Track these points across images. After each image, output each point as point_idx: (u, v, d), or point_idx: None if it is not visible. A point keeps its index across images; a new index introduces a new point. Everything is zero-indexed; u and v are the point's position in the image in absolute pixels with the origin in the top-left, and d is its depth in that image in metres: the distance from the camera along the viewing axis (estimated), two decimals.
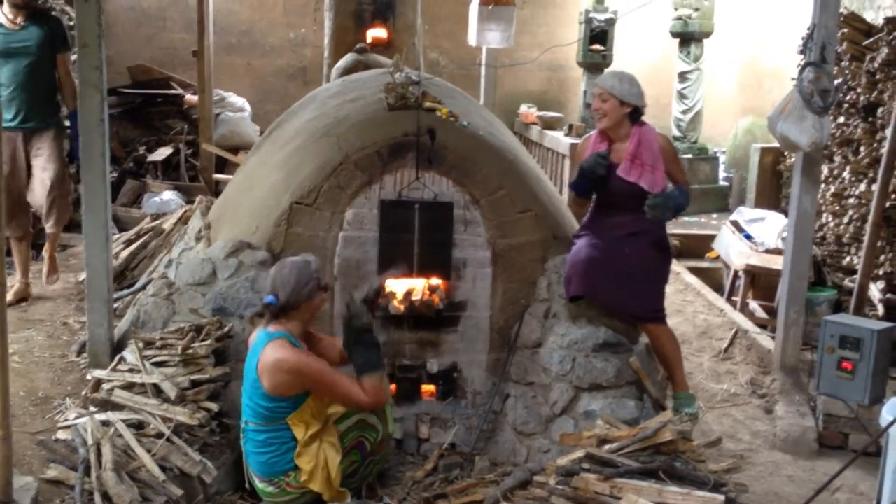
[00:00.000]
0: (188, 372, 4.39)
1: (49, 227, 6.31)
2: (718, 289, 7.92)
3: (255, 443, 4.06)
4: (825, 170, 7.69)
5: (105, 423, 4.13)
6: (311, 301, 4.11)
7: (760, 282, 7.56)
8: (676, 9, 10.99)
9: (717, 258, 8.61)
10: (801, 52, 5.71)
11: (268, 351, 3.97)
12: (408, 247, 4.88)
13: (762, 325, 6.88)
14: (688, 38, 11.05)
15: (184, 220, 6.96)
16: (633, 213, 4.78)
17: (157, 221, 7.40)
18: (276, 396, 3.97)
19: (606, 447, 4.09)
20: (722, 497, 3.71)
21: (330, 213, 4.86)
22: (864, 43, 7.47)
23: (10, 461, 3.41)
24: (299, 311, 4.08)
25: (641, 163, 4.71)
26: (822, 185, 7.63)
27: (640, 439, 4.06)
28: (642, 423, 4.37)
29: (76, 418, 4.22)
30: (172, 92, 11.23)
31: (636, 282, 4.75)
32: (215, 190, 9.50)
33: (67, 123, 6.43)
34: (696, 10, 10.84)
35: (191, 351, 4.45)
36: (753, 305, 7.46)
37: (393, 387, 4.89)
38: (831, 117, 7.03)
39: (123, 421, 4.15)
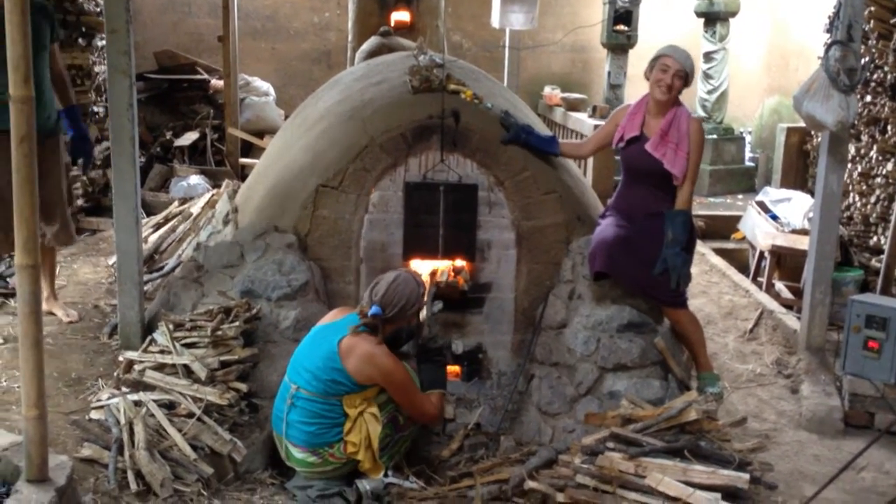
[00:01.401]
0: (217, 353, 4.44)
1: (54, 240, 5.51)
2: (744, 270, 7.88)
3: (305, 412, 4.13)
4: (852, 149, 7.64)
5: (137, 403, 4.20)
6: (411, 319, 4.32)
7: (786, 262, 7.54)
8: None
9: (743, 239, 8.59)
10: (828, 30, 5.66)
11: (363, 340, 4.14)
12: (433, 229, 4.93)
13: (788, 306, 6.85)
14: (713, 18, 10.96)
15: (211, 203, 7.03)
16: (654, 193, 4.79)
17: (185, 205, 7.48)
18: (350, 377, 4.10)
19: (631, 427, 4.12)
20: (747, 475, 3.73)
21: (355, 196, 4.90)
22: (892, 21, 7.38)
23: (45, 440, 3.46)
24: (396, 323, 4.25)
25: (668, 140, 4.72)
26: (849, 165, 7.58)
27: (665, 419, 4.09)
28: (667, 402, 4.39)
29: (109, 398, 4.29)
30: (198, 77, 11.30)
31: (655, 264, 4.75)
32: (241, 174, 9.57)
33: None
34: None
35: (220, 332, 4.51)
36: (779, 286, 7.43)
37: None
38: (858, 96, 6.97)
39: (155, 401, 4.22)
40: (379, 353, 4.13)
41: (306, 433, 4.14)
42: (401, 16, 8.63)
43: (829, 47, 5.31)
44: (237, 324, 4.56)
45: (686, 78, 4.79)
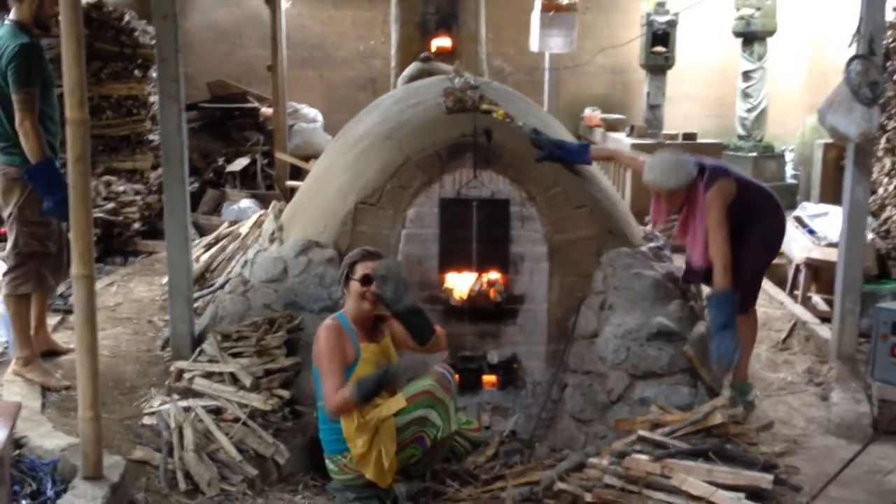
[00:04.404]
0: (262, 362, 4.69)
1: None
2: (782, 285, 7.92)
3: (321, 419, 4.31)
4: (888, 163, 7.67)
5: (186, 409, 4.44)
6: (348, 287, 4.37)
7: (823, 275, 7.57)
8: (738, 8, 10.98)
9: (782, 254, 8.61)
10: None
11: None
12: (467, 243, 5.10)
13: (825, 318, 6.86)
14: (751, 37, 11.02)
15: (259, 223, 7.30)
16: None
17: (235, 226, 7.77)
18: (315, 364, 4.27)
19: (659, 430, 4.24)
20: (771, 476, 3.80)
21: (393, 212, 5.11)
22: None
23: (99, 440, 3.69)
24: (347, 296, 4.40)
25: (687, 231, 5.00)
26: (886, 179, 7.62)
27: (692, 422, 4.19)
28: (695, 408, 4.50)
29: (160, 405, 4.55)
30: (249, 105, 11.68)
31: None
32: (290, 197, 9.85)
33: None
34: (759, 9, 10.81)
35: (264, 342, 4.76)
36: (816, 299, 7.47)
37: (456, 377, 5.05)
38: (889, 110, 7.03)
39: (203, 407, 4.47)
40: (319, 332, 4.24)
41: (323, 440, 4.31)
42: (442, 42, 8.86)
43: (850, 61, 5.42)
44: (280, 334, 4.80)
45: (666, 187, 4.84)
